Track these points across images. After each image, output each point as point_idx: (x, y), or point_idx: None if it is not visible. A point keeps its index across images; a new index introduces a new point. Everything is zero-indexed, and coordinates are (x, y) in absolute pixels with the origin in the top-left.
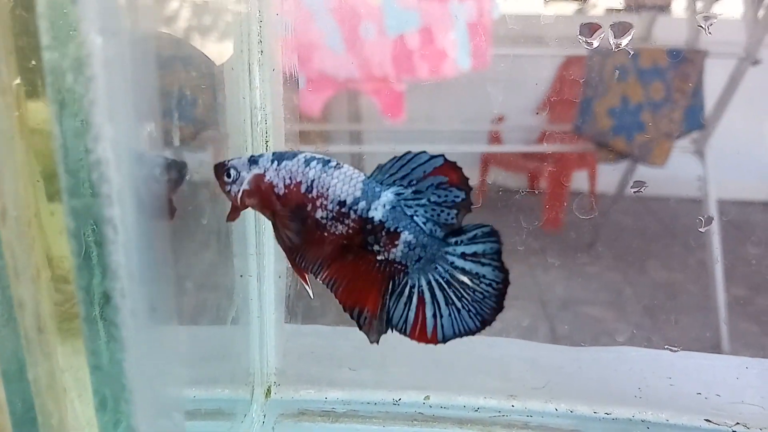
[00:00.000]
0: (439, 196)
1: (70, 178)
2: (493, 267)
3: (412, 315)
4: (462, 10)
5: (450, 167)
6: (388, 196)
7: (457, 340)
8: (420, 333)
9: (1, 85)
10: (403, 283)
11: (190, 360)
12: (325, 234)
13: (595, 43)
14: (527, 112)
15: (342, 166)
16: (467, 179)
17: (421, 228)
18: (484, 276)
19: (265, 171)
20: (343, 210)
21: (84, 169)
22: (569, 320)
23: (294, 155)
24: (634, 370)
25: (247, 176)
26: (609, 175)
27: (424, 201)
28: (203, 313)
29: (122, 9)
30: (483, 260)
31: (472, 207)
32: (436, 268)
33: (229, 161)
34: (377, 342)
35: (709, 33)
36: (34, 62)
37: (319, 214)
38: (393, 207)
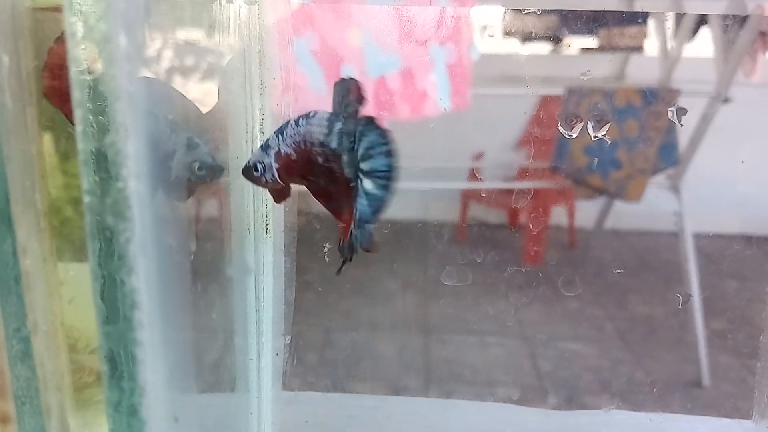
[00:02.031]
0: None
1: (104, 307)
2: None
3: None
4: (442, 53)
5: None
6: (338, 124)
7: (448, 406)
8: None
9: (36, 210)
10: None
11: None
12: (337, 175)
13: (574, 135)
14: (506, 149)
15: (317, 113)
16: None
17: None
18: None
19: (278, 147)
20: (324, 149)
21: (118, 299)
22: (552, 357)
23: (287, 123)
24: None
25: (271, 160)
26: (588, 210)
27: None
28: (210, 394)
29: (158, 147)
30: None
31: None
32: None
33: (249, 161)
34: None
35: (682, 125)
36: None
37: (320, 160)
38: (341, 133)
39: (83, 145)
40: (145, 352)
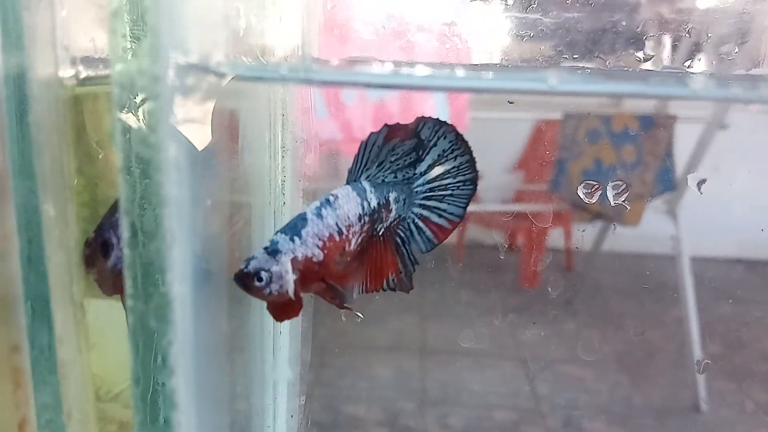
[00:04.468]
0: (396, 154)
1: (144, 408)
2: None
3: (429, 233)
4: None
5: (394, 128)
6: (366, 183)
7: None
8: (443, 234)
9: (73, 302)
10: (405, 226)
11: None
12: (348, 258)
13: (594, 200)
14: (504, 171)
15: (337, 194)
16: (414, 127)
17: (392, 181)
18: (455, 168)
19: (293, 252)
20: (362, 221)
21: (158, 400)
22: (550, 379)
23: (303, 219)
24: None
25: (281, 268)
26: (585, 233)
27: (386, 166)
28: None
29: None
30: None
31: (423, 140)
32: (417, 192)
33: (246, 268)
34: (412, 288)
35: (701, 193)
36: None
37: (353, 243)
38: (374, 187)
39: (129, 252)
40: None
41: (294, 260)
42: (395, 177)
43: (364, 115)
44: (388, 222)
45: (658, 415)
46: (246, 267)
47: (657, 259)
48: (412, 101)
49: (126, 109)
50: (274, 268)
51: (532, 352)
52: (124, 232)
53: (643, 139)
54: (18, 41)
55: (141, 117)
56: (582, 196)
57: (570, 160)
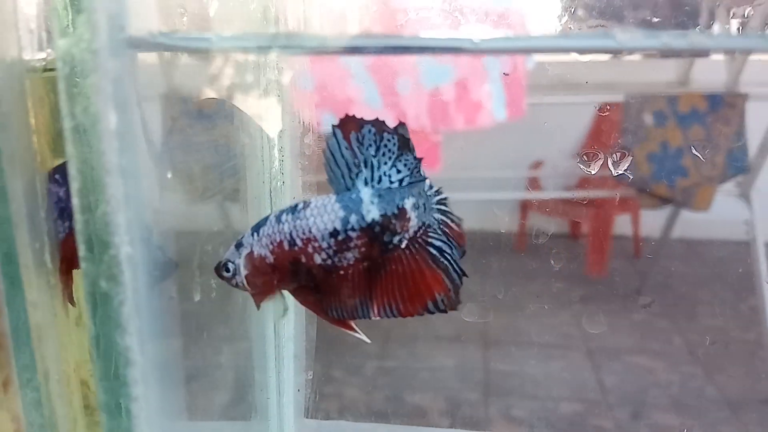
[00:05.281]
0: (383, 153)
1: (100, 364)
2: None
3: (454, 241)
4: (496, 62)
5: (345, 122)
6: (366, 192)
7: None
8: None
9: (47, 269)
10: (435, 234)
11: None
12: (341, 272)
13: (594, 171)
14: (566, 157)
15: (310, 203)
16: (359, 117)
17: (407, 185)
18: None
19: (251, 247)
20: (340, 238)
21: (113, 356)
22: (618, 371)
23: (266, 219)
24: None
25: (240, 262)
26: (654, 219)
27: (379, 167)
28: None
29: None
30: None
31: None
32: (429, 196)
33: (223, 258)
34: (460, 302)
35: (704, 159)
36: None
37: (318, 259)
38: (379, 196)
39: (79, 216)
40: (140, 408)
41: (249, 255)
42: (400, 178)
43: (419, 105)
44: (411, 232)
45: (733, 408)
46: (223, 258)
47: (730, 245)
48: (468, 88)
49: (70, 81)
50: (237, 261)
51: (598, 342)
52: (74, 198)
53: (713, 120)
54: None
55: (83, 89)
56: (581, 166)
57: (635, 144)
